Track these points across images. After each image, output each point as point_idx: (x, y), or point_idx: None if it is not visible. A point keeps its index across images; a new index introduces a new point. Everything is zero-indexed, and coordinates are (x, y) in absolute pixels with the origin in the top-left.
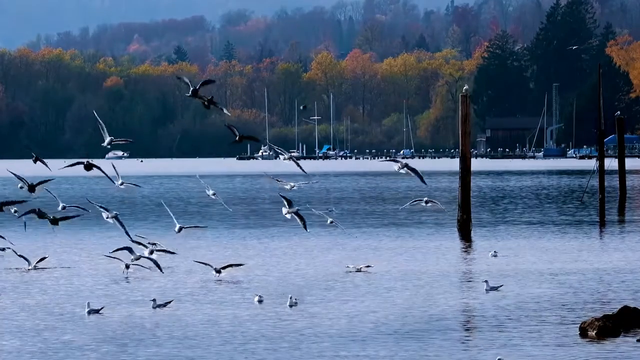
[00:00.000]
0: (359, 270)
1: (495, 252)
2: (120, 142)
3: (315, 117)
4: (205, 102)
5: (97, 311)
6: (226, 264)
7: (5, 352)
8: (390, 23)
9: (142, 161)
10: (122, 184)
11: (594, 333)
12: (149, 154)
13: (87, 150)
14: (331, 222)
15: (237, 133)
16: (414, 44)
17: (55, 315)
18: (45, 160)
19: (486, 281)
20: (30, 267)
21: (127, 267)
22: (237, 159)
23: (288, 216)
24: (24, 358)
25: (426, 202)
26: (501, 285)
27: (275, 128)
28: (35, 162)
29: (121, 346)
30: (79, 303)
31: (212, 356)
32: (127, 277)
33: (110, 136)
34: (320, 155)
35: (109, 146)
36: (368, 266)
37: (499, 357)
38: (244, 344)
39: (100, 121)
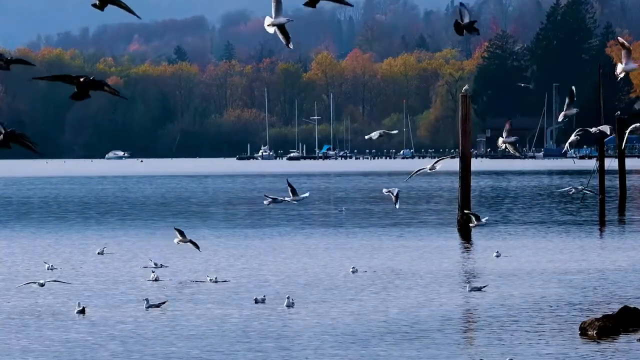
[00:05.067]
0: (355, 272)
1: (498, 252)
2: None
3: (315, 117)
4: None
5: (82, 311)
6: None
7: (9, 352)
8: (390, 23)
9: (142, 161)
10: None
11: (594, 333)
12: (149, 154)
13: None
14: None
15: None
16: (414, 44)
17: (59, 315)
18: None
19: (469, 282)
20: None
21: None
22: (237, 159)
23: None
24: (27, 357)
25: (430, 169)
26: (485, 286)
27: (275, 128)
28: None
29: (124, 345)
30: (81, 303)
31: (212, 356)
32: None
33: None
34: (320, 155)
35: None
36: (365, 271)
37: (509, 358)
38: (245, 343)
39: None
